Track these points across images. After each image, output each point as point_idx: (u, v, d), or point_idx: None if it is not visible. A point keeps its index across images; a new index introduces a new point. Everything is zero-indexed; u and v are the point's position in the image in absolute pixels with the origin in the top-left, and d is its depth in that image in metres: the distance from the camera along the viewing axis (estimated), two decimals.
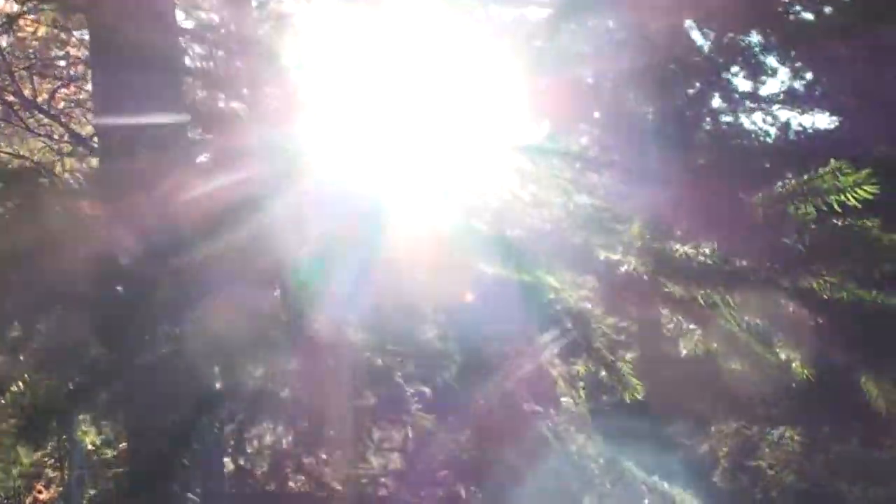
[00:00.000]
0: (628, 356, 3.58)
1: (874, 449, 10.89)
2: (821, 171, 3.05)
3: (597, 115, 11.48)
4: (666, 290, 3.25)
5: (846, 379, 3.65)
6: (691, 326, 3.40)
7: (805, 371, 3.30)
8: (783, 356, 3.34)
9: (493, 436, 3.33)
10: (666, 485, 3.24)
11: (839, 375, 3.60)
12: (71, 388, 2.87)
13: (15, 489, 11.59)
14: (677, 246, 3.19)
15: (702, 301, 3.24)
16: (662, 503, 3.16)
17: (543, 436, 3.18)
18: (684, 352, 3.49)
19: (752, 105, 12.48)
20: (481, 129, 4.23)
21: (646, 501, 3.17)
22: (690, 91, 12.13)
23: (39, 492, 12.72)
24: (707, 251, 3.11)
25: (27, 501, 12.38)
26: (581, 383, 3.70)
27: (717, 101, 12.63)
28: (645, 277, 3.14)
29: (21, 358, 3.20)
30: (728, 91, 12.01)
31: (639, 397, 3.70)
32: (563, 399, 3.68)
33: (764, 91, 12.95)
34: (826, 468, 11.62)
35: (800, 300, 3.14)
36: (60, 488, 12.52)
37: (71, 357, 2.97)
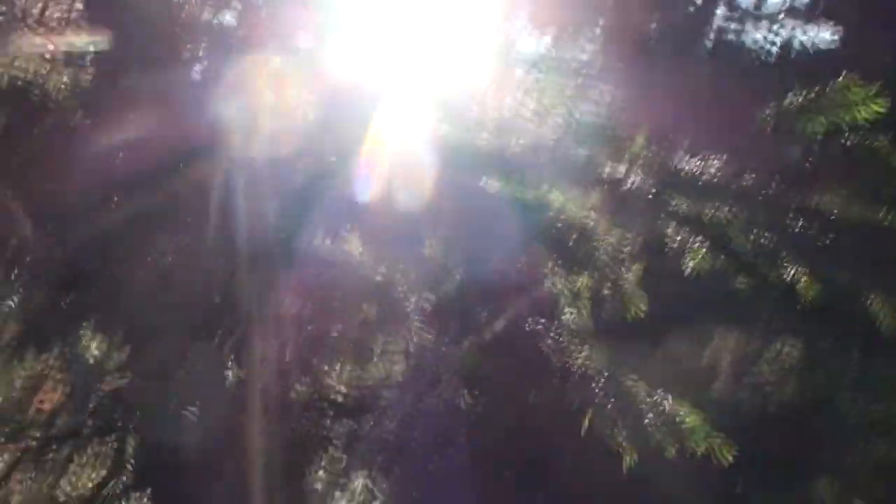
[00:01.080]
0: (633, 270, 3.53)
1: (874, 363, 10.88)
2: (831, 85, 3.00)
3: (599, 27, 11.26)
4: (671, 206, 3.21)
5: (848, 294, 3.62)
6: (697, 242, 3.33)
7: (811, 290, 3.26)
8: (789, 274, 3.30)
9: (493, 351, 3.30)
10: (669, 400, 3.21)
11: (842, 291, 3.57)
12: (66, 304, 2.84)
13: (17, 399, 11.65)
14: (683, 161, 3.14)
15: (708, 218, 3.19)
16: (664, 421, 3.14)
17: (544, 352, 3.16)
18: (689, 267, 3.44)
19: (755, 20, 12.29)
20: (481, 41, 4.16)
21: (648, 418, 3.15)
22: (694, 4, 11.94)
23: (41, 402, 12.81)
24: (714, 167, 3.07)
25: (29, 412, 12.49)
26: (585, 299, 3.67)
27: (721, 15, 12.44)
28: (650, 194, 3.09)
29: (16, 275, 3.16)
30: (732, 4, 11.81)
31: (641, 314, 3.68)
32: (565, 315, 3.66)
33: (767, 7, 12.75)
34: (826, 382, 11.62)
35: (807, 218, 3.10)
36: (62, 399, 12.58)
37: (67, 272, 2.93)
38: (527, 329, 3.24)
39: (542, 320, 3.29)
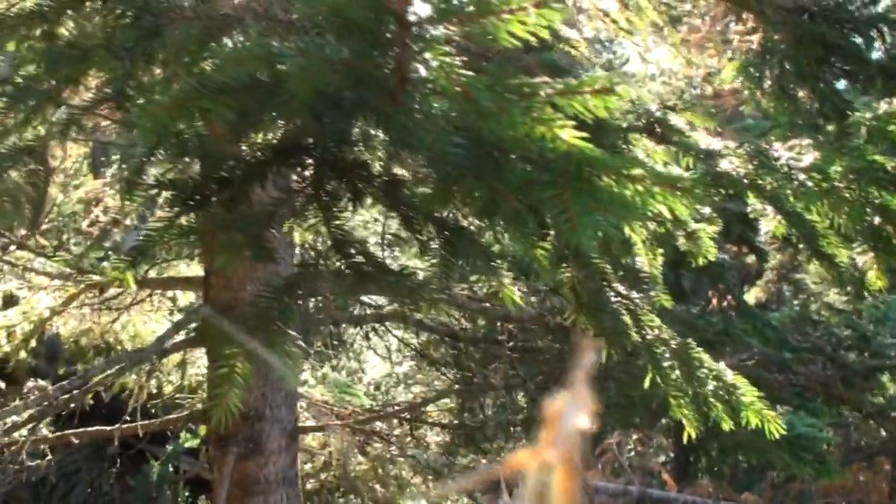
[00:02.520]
0: (712, 228, 3.68)
1: None
2: None
3: None
4: (759, 182, 3.30)
5: None
6: (774, 211, 3.44)
7: (880, 281, 3.38)
8: (861, 261, 3.42)
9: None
10: (730, 375, 3.37)
11: None
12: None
13: (72, 214, 11.95)
14: (779, 150, 3.23)
15: (791, 198, 3.29)
16: (725, 394, 3.30)
17: (623, 318, 3.31)
18: (763, 232, 3.57)
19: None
20: None
21: (710, 387, 3.31)
22: None
23: (97, 217, 13.12)
24: (808, 162, 3.16)
25: (84, 224, 12.77)
26: (659, 249, 3.83)
27: None
28: (743, 178, 3.19)
29: None
30: None
31: (711, 259, 3.81)
32: (640, 259, 3.81)
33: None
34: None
35: (885, 217, 3.22)
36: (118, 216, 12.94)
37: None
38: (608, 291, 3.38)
39: (622, 288, 3.44)
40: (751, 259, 14.54)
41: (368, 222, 8.33)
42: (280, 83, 2.36)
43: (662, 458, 14.47)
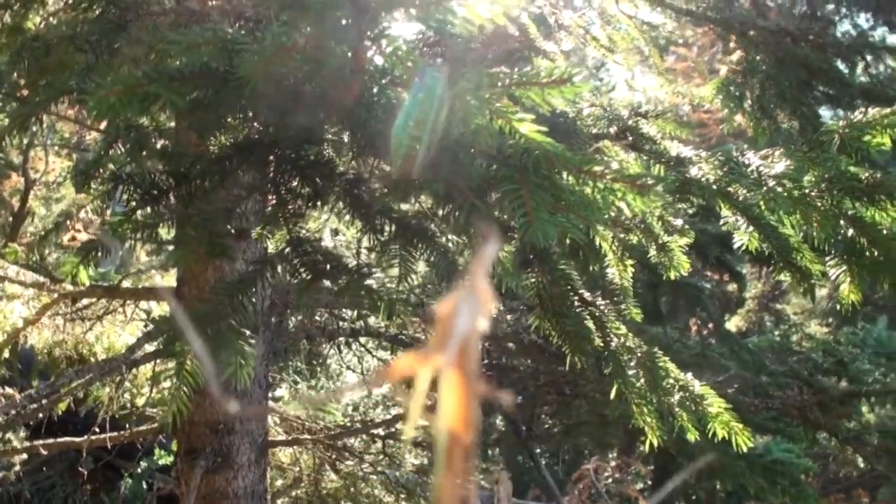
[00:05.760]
0: (683, 241, 3.61)
1: None
2: None
3: None
4: (729, 189, 3.25)
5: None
6: (746, 223, 3.38)
7: (853, 294, 3.32)
8: (832, 274, 3.36)
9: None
10: (697, 385, 3.32)
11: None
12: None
13: (54, 225, 11.91)
14: (752, 158, 3.18)
15: (764, 208, 3.23)
16: (692, 404, 3.25)
17: (586, 323, 3.25)
18: (736, 244, 3.51)
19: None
20: None
21: (676, 398, 3.26)
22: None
23: (77, 231, 13.06)
24: (779, 170, 3.11)
25: (65, 238, 12.72)
26: (630, 260, 3.76)
27: None
28: (712, 183, 3.14)
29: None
30: None
31: (684, 273, 3.75)
32: (610, 270, 3.75)
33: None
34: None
35: (859, 228, 3.16)
36: (98, 232, 12.89)
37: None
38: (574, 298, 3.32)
39: (587, 294, 3.38)
40: (732, 287, 14.55)
41: (350, 242, 8.28)
42: (234, 70, 2.31)
43: (640, 486, 14.39)
